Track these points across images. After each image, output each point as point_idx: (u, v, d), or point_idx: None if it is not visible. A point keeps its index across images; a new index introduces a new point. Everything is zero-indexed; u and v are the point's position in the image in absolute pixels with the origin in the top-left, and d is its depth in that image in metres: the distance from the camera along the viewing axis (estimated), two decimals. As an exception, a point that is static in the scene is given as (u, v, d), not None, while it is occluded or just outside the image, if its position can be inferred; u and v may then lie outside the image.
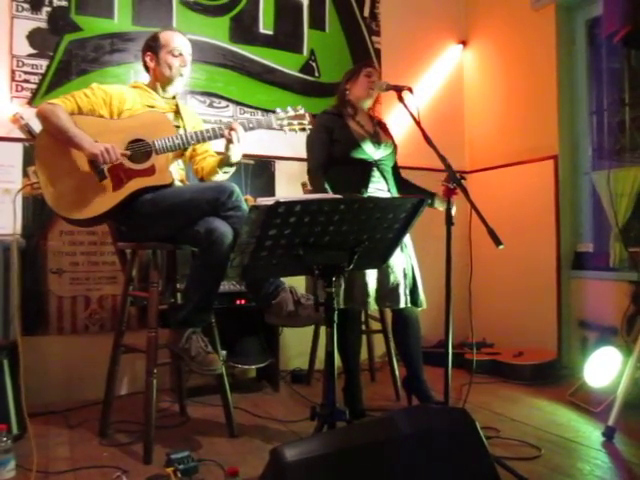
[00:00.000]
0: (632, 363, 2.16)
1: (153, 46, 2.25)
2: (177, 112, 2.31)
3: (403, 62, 3.63)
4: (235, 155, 2.19)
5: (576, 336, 3.17)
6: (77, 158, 2.04)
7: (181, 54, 2.25)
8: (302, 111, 2.21)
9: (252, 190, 3.15)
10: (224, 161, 2.23)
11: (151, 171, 2.07)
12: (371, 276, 2.32)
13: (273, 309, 1.99)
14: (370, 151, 2.41)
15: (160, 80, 2.26)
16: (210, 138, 2.15)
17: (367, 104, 2.52)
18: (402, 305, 2.34)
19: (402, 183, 2.57)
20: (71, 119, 2.05)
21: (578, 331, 3.16)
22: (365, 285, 2.29)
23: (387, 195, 2.44)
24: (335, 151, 2.41)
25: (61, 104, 2.07)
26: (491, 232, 1.85)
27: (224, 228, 1.96)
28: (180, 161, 2.31)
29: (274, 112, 2.20)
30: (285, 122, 2.19)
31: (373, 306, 2.33)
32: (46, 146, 2.06)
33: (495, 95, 3.72)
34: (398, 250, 2.36)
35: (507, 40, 3.61)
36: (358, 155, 2.38)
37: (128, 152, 2.06)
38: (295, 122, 2.20)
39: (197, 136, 2.13)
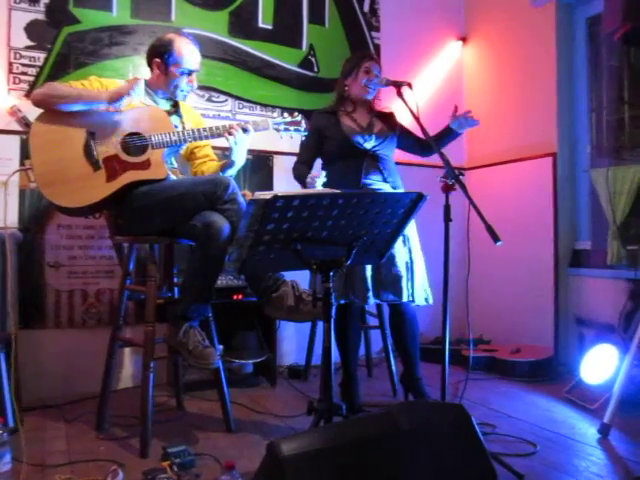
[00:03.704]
0: (628, 360, 2.17)
1: (164, 55, 2.18)
2: (176, 111, 2.30)
3: (403, 58, 3.62)
4: (239, 160, 2.21)
5: (573, 333, 3.18)
6: (71, 146, 2.04)
7: (191, 75, 2.22)
8: (299, 118, 2.25)
9: (250, 185, 3.14)
10: (227, 166, 2.25)
11: (146, 165, 2.07)
12: (372, 270, 2.32)
13: (273, 302, 2.00)
14: (359, 141, 2.41)
15: (162, 87, 2.24)
16: (207, 137, 2.16)
17: (368, 98, 2.51)
18: (405, 299, 2.35)
19: (426, 143, 2.48)
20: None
21: (575, 328, 3.16)
22: (366, 279, 2.30)
23: (384, 184, 2.43)
24: (328, 148, 2.46)
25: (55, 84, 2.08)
26: (489, 229, 1.85)
27: (221, 222, 1.96)
28: (173, 160, 2.30)
29: (271, 116, 2.25)
30: (282, 127, 2.22)
31: (373, 300, 2.33)
32: (41, 133, 2.04)
33: (494, 92, 3.71)
34: (400, 243, 2.36)
35: (507, 37, 3.60)
36: (349, 148, 2.39)
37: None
38: (291, 127, 2.22)
39: (194, 134, 2.13)
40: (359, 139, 2.42)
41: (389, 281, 2.33)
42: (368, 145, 2.43)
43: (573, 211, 3.29)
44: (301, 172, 2.43)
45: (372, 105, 2.54)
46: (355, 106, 2.51)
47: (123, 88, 2.04)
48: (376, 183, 2.42)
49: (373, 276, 2.32)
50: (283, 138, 2.26)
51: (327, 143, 2.46)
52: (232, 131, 2.13)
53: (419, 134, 2.42)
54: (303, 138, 2.41)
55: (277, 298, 1.98)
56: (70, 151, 2.03)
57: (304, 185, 2.36)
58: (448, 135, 2.50)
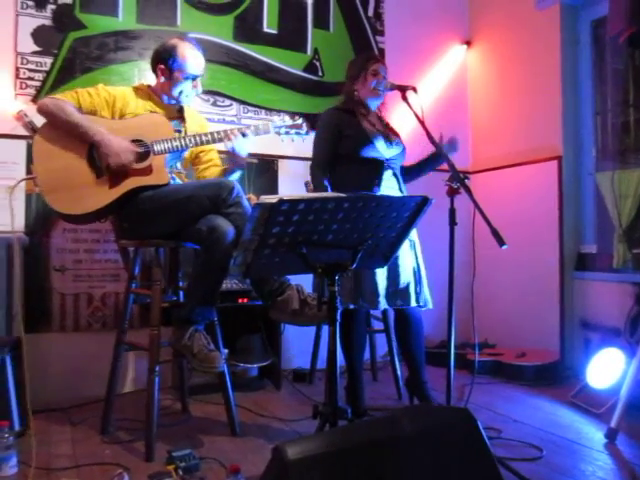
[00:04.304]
0: (635, 364, 2.16)
1: (168, 61, 2.19)
2: (181, 116, 2.31)
3: (407, 62, 3.62)
4: (239, 165, 2.23)
5: (579, 337, 3.16)
6: (75, 154, 2.05)
7: (195, 80, 2.23)
8: (300, 121, 2.26)
9: (255, 189, 3.15)
10: (228, 172, 2.26)
11: (148, 171, 2.08)
12: (381, 275, 2.31)
13: (278, 306, 2.00)
14: (382, 149, 2.39)
15: (166, 92, 2.25)
16: (208, 142, 2.17)
17: (376, 103, 2.50)
18: (413, 304, 2.34)
19: (408, 170, 2.56)
20: (79, 113, 2.06)
21: (581, 332, 3.15)
22: (375, 284, 2.29)
23: (398, 194, 2.43)
24: (345, 147, 2.38)
25: (66, 99, 2.08)
26: (495, 232, 1.85)
27: (226, 226, 1.97)
28: (178, 164, 2.31)
29: (272, 120, 2.26)
30: (282, 130, 2.23)
31: (384, 305, 2.32)
32: (45, 140, 2.06)
33: (499, 96, 3.71)
34: (408, 248, 2.36)
35: (511, 41, 3.60)
36: (370, 153, 2.35)
37: (138, 149, 2.05)
38: (292, 131, 2.23)
39: (195, 139, 2.14)
40: (382, 144, 2.39)
41: (399, 287, 2.32)
42: (390, 153, 2.41)
43: (578, 214, 3.28)
44: (320, 185, 2.36)
45: (379, 111, 2.54)
46: (368, 110, 2.49)
47: (120, 157, 2.02)
48: (390, 191, 2.40)
49: (383, 281, 2.31)
50: (284, 141, 2.27)
51: (345, 142, 2.38)
52: (231, 136, 2.13)
53: (422, 142, 2.43)
54: (304, 140, 2.34)
55: (282, 301, 1.98)
56: (73, 158, 2.04)
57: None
58: (433, 162, 2.51)
